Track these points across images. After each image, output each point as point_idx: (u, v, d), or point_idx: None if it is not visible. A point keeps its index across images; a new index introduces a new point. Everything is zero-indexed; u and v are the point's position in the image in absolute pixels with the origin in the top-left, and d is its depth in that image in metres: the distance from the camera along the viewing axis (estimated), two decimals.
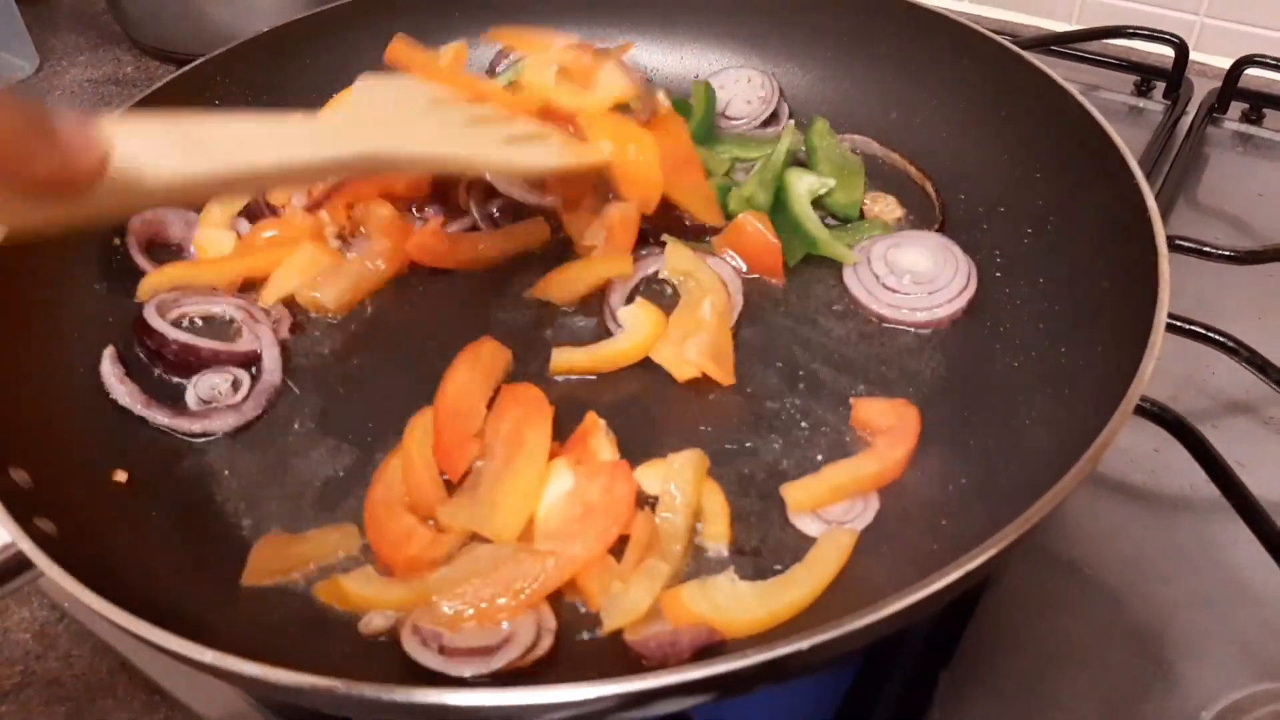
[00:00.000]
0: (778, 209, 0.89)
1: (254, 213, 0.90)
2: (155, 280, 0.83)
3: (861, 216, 0.90)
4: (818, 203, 0.90)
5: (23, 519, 0.55)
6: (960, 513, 0.65)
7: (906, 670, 0.68)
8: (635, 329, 0.79)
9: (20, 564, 0.54)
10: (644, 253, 0.87)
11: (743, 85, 1.02)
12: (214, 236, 0.89)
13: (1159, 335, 0.62)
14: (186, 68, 0.94)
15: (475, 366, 0.75)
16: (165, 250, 0.89)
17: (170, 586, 0.61)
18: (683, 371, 0.76)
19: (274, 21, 1.01)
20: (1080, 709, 0.68)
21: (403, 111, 0.78)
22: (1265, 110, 1.18)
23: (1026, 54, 0.85)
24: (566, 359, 0.78)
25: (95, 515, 0.65)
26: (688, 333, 0.77)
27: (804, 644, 0.45)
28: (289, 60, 1.00)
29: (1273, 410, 0.85)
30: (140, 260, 0.86)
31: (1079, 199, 0.77)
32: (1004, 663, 0.70)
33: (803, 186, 0.88)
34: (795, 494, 0.67)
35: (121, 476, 0.70)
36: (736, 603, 0.59)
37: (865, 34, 0.98)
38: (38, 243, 0.74)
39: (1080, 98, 0.78)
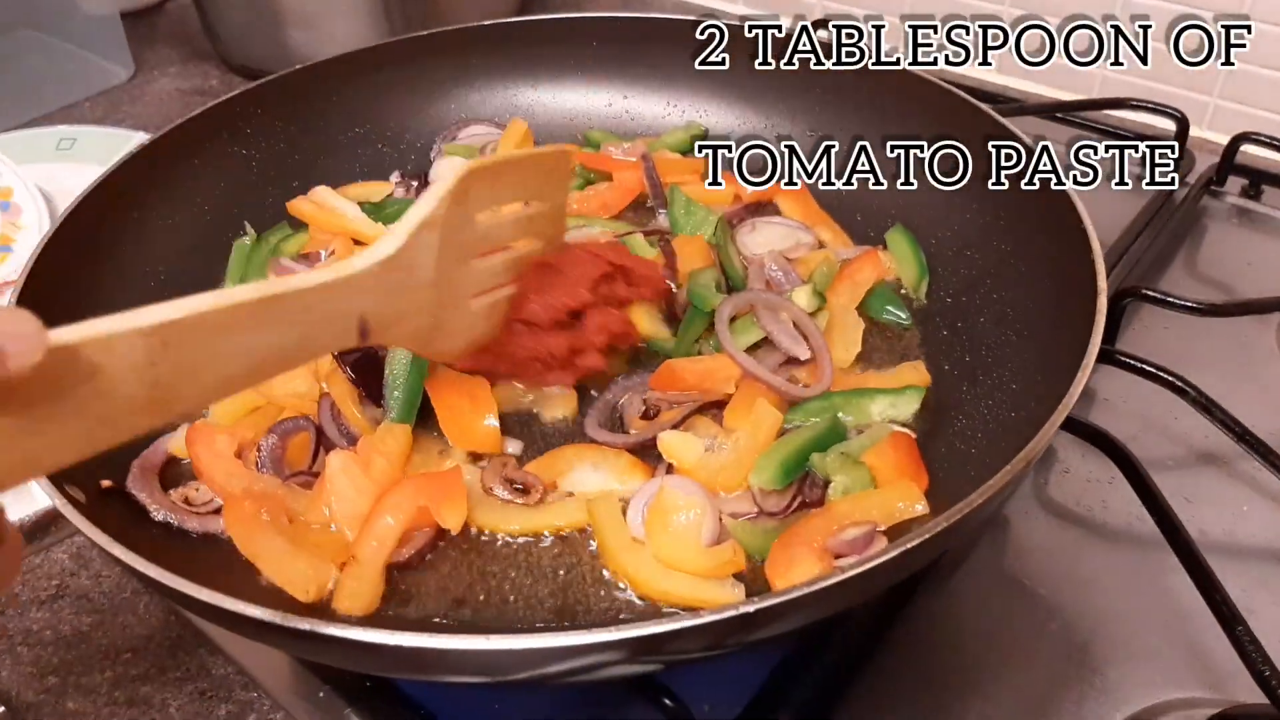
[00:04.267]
0: None
1: None
2: None
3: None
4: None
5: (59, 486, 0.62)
6: None
7: (832, 655, 0.73)
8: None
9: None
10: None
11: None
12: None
13: (1091, 358, 0.67)
14: (221, 99, 1.02)
15: None
16: None
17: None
18: None
19: (348, 48, 1.11)
20: (1004, 700, 0.73)
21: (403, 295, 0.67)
22: (1263, 186, 1.23)
23: (994, 113, 0.92)
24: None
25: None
26: None
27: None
28: (322, 95, 1.09)
29: (1226, 455, 0.90)
30: None
31: (1039, 246, 0.84)
32: (936, 655, 0.76)
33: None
34: None
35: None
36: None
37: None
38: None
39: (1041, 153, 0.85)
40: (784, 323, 0.86)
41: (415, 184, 1.08)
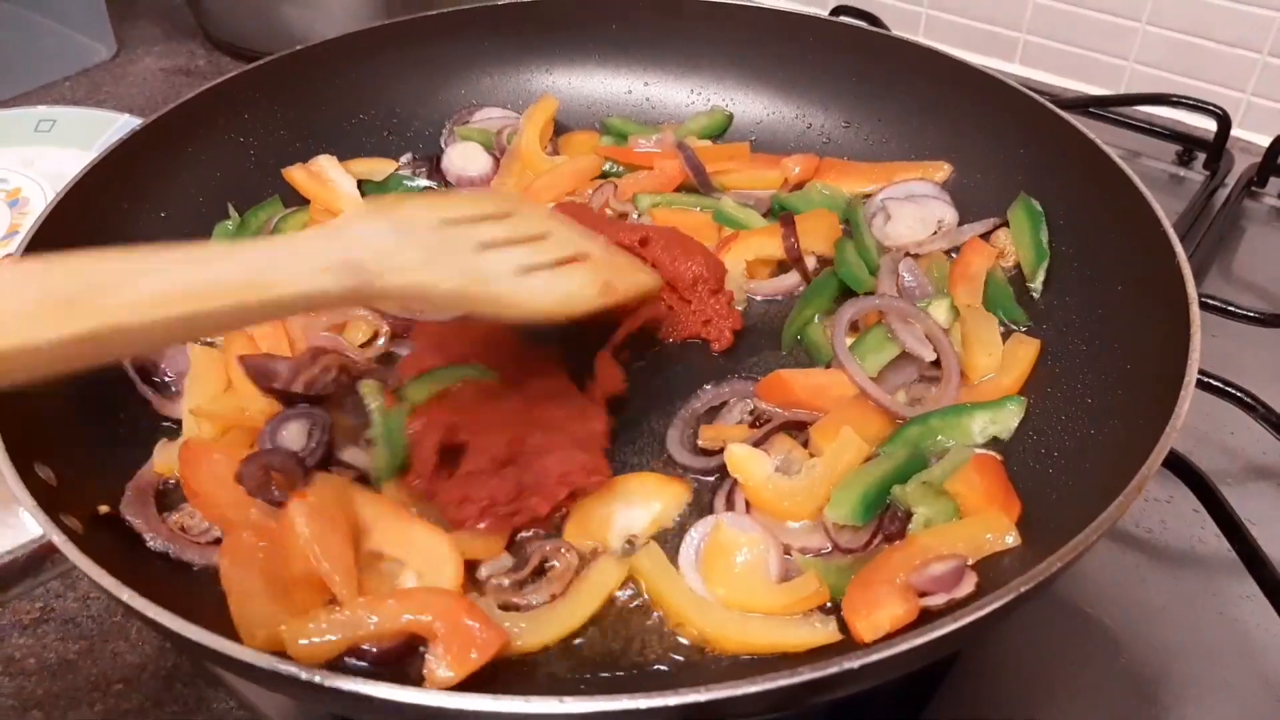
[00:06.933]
0: None
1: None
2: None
3: None
4: None
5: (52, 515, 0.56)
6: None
7: (884, 696, 0.69)
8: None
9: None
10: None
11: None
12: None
13: (1190, 387, 0.62)
14: (217, 81, 0.96)
15: None
16: None
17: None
18: None
19: (346, 26, 1.05)
20: None
21: (398, 235, 0.63)
22: None
23: (1066, 114, 0.87)
24: None
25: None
26: None
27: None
28: (324, 78, 1.03)
29: None
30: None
31: (1108, 249, 0.79)
32: (997, 692, 0.71)
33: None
34: None
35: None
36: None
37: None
38: None
39: (1115, 157, 0.80)
40: (916, 332, 0.79)
41: (426, 168, 1.01)
